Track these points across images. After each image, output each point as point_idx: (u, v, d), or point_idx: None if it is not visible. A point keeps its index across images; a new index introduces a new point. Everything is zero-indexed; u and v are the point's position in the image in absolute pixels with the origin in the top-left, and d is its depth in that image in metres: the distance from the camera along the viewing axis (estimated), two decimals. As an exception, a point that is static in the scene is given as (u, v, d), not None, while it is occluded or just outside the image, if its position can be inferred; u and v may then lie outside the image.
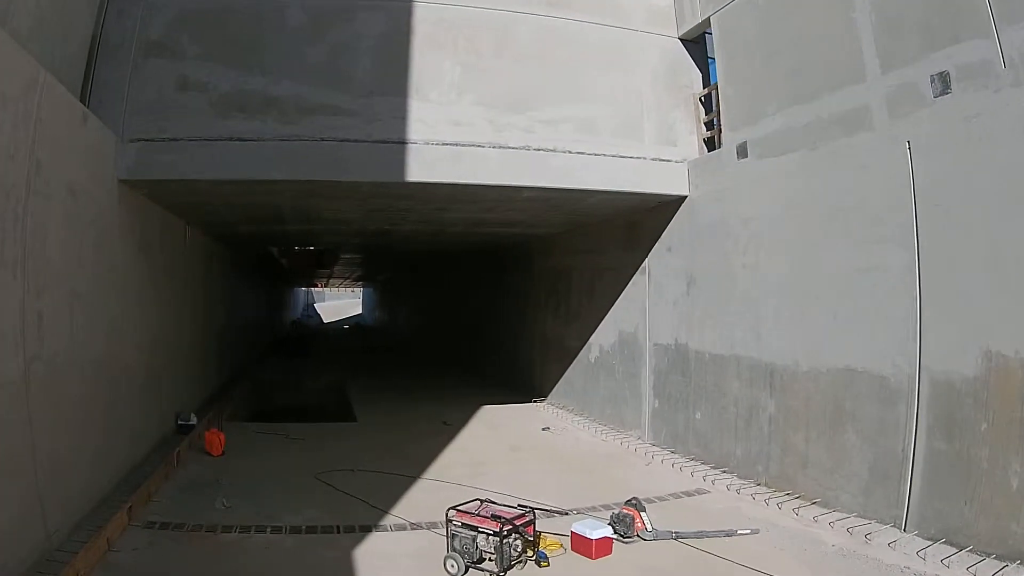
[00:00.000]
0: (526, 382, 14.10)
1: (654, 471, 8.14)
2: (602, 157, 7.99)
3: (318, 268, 27.52)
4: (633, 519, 5.80)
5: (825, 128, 6.63)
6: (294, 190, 7.86)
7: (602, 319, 10.71)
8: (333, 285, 50.05)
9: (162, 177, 6.98)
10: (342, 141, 7.05)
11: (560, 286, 12.49)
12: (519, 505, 5.34)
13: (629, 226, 10.01)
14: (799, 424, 6.86)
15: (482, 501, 5.25)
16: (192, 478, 7.52)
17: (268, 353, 22.74)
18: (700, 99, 8.94)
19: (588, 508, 6.64)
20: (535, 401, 12.88)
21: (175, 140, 6.98)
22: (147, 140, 6.97)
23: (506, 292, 15.70)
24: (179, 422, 9.29)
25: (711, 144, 8.82)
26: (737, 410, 7.73)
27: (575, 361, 11.73)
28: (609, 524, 5.72)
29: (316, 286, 51.57)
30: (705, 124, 8.90)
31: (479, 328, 18.05)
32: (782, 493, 6.81)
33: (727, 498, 7.03)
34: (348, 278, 38.41)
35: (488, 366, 17.03)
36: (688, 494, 7.21)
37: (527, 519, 5.10)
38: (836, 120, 6.52)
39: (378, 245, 15.97)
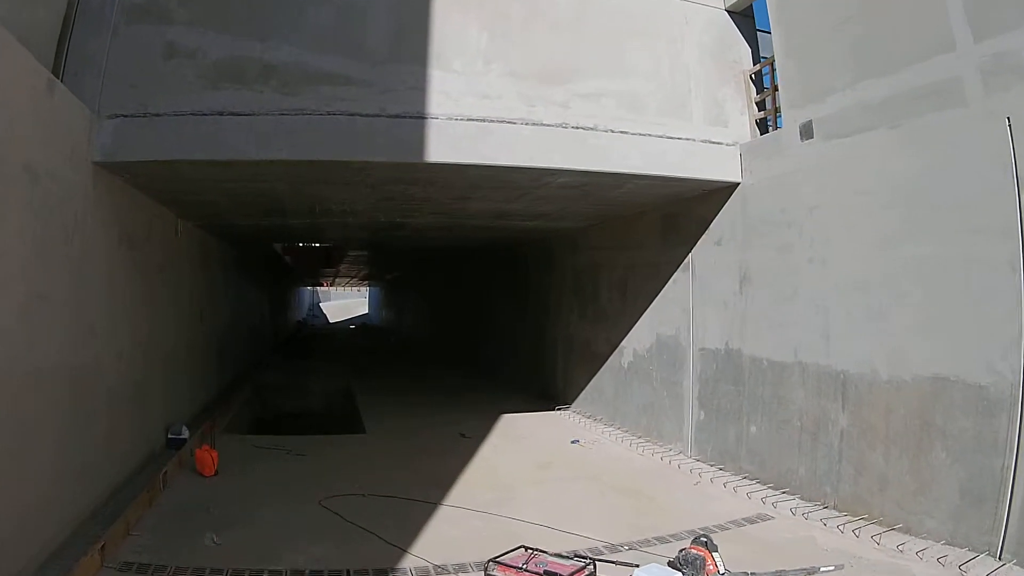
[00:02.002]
0: (547, 388, 13.16)
1: (705, 492, 7.20)
2: (647, 137, 7.05)
3: (324, 266, 26.72)
4: (704, 561, 4.85)
5: (907, 104, 5.78)
6: (295, 174, 6.88)
7: (636, 321, 9.75)
8: (339, 284, 49.32)
9: (143, 158, 6.05)
10: (351, 115, 6.10)
11: (587, 285, 11.53)
12: (575, 556, 4.38)
13: (667, 218, 9.07)
14: (877, 440, 6.01)
15: (527, 549, 4.29)
16: (179, 504, 6.57)
17: (272, 355, 21.89)
18: (750, 77, 8.03)
19: (641, 542, 5.72)
20: (558, 409, 11.93)
21: (158, 116, 6.06)
22: (126, 116, 6.04)
23: (525, 291, 14.76)
24: (169, 436, 8.39)
25: (763, 126, 8.00)
26: (801, 424, 6.83)
27: (604, 366, 10.77)
28: (675, 567, 4.76)
29: (322, 285, 50.82)
30: (757, 104, 7.99)
31: (494, 329, 17.15)
32: (857, 518, 5.97)
33: (795, 525, 6.14)
34: (354, 277, 37.65)
35: (504, 369, 16.09)
36: (750, 520, 6.30)
37: (586, 573, 4.13)
38: (921, 95, 5.67)
39: (387, 241, 14.97)
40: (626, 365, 10.11)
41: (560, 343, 12.76)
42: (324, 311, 56.35)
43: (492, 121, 6.44)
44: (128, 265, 7.14)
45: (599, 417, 10.80)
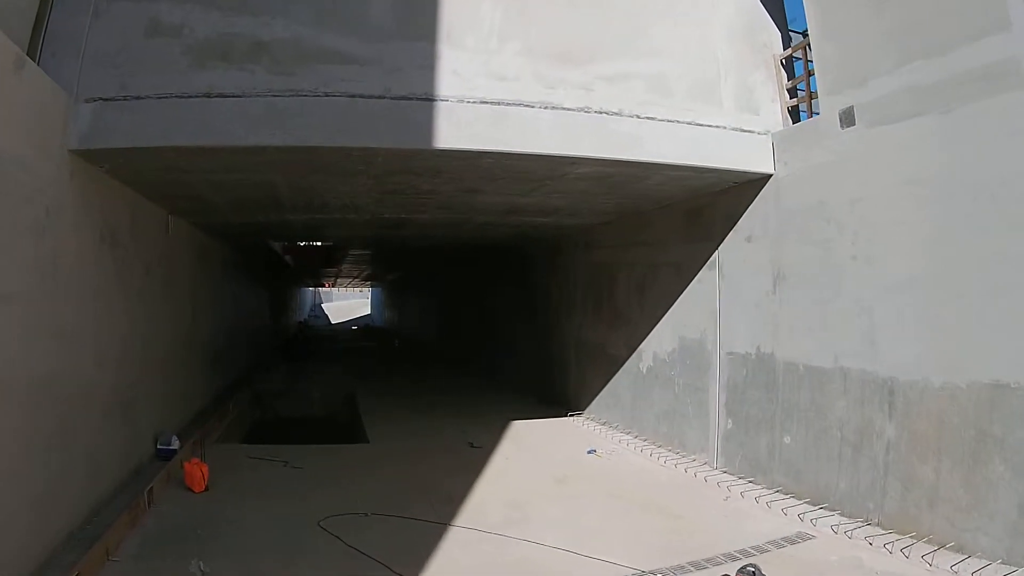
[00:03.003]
0: (558, 393, 12.58)
1: (737, 509, 6.63)
2: (677, 124, 6.49)
3: (325, 266, 26.17)
4: (753, 597, 4.29)
5: (960, 87, 5.31)
6: (290, 162, 6.29)
7: (657, 323, 9.16)
8: (341, 285, 48.85)
9: (123, 145, 5.51)
10: (352, 97, 5.53)
11: (602, 285, 10.93)
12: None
13: (690, 213, 8.49)
14: (928, 452, 5.51)
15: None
16: (165, 525, 6.01)
17: (272, 358, 21.35)
18: (781, 62, 7.47)
19: (674, 568, 5.19)
20: (571, 415, 11.34)
21: (139, 99, 5.51)
22: (106, 100, 5.52)
23: (534, 292, 14.19)
24: (158, 447, 7.86)
25: (795, 115, 7.45)
26: (842, 434, 6.30)
27: (621, 371, 10.18)
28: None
29: (324, 286, 50.33)
30: (788, 91, 7.45)
31: (501, 331, 16.60)
32: (904, 536, 5.48)
33: (839, 545, 5.61)
34: (356, 277, 37.13)
35: (513, 373, 15.51)
36: (790, 540, 5.75)
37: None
38: (975, 77, 5.20)
39: (390, 239, 14.33)
40: (645, 370, 9.53)
41: (572, 346, 12.17)
42: (326, 312, 55.87)
43: (508, 104, 5.85)
44: (110, 264, 6.63)
45: (615, 424, 10.21)
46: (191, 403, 10.22)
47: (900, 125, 5.81)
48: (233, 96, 5.46)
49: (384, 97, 5.57)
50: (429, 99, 5.69)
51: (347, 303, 60.72)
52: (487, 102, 5.81)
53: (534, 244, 13.92)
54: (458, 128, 5.71)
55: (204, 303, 11.30)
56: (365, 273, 33.49)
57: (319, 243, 17.28)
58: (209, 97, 5.47)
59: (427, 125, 5.65)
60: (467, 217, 10.02)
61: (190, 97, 5.49)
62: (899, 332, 5.80)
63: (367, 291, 55.82)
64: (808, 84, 7.23)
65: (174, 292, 9.23)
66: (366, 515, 6.24)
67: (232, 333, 14.51)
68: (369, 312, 53.99)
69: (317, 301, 57.84)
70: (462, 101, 5.75)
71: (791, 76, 7.53)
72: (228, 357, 13.78)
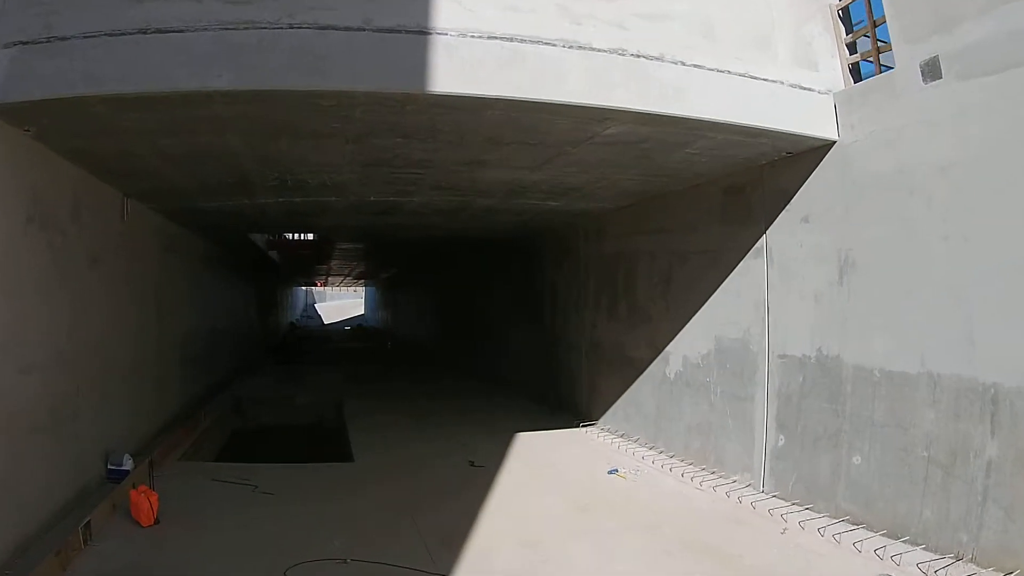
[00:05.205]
0: (567, 400, 11.46)
1: (800, 545, 5.50)
2: (727, 75, 5.36)
3: (315, 263, 25.08)
4: None
5: None
6: (248, 118, 5.07)
7: (687, 321, 8.00)
8: (333, 284, 47.84)
9: (44, 95, 4.40)
10: (322, 28, 4.36)
11: (619, 278, 9.77)
12: None
13: (730, 191, 7.35)
14: None
15: None
16: (101, 571, 4.84)
17: (259, 361, 20.19)
18: (838, 13, 6.37)
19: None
20: (583, 426, 10.18)
21: (64, 39, 4.40)
22: (26, 43, 4.42)
23: (539, 288, 13.07)
24: (109, 467, 6.74)
25: (856, 74, 6.32)
26: (929, 454, 5.22)
27: (642, 376, 9.01)
28: None
29: (316, 285, 49.34)
30: (847, 47, 6.34)
31: (503, 332, 15.49)
32: (1007, 574, 4.56)
33: None
34: (348, 275, 36.12)
35: (516, 378, 14.39)
36: (872, 585, 4.70)
37: None
38: None
39: (381, 229, 13.00)
40: (672, 375, 8.35)
41: (583, 348, 11.02)
42: (319, 312, 54.79)
43: (524, 41, 4.66)
44: (43, 252, 5.56)
45: (635, 437, 9.04)
46: (156, 414, 9.04)
47: (1002, 76, 4.80)
48: (175, 31, 4.30)
49: (364, 29, 4.35)
50: (422, 32, 4.48)
51: (340, 303, 59.70)
52: (497, 37, 4.61)
53: (539, 235, 12.81)
54: (460, 68, 4.53)
55: (173, 301, 10.11)
56: (357, 270, 32.46)
57: (306, 236, 16.11)
58: (145, 34, 4.32)
59: (419, 64, 4.46)
60: (466, 200, 8.83)
61: (123, 35, 4.36)
62: (1006, 328, 4.77)
63: (361, 290, 54.75)
64: (873, 36, 6.13)
65: (134, 288, 8.10)
66: (345, 562, 5.03)
67: (210, 335, 13.34)
68: (363, 312, 52.97)
69: (309, 301, 56.72)
70: (465, 35, 4.55)
71: (850, 30, 6.44)
72: (205, 361, 12.58)
